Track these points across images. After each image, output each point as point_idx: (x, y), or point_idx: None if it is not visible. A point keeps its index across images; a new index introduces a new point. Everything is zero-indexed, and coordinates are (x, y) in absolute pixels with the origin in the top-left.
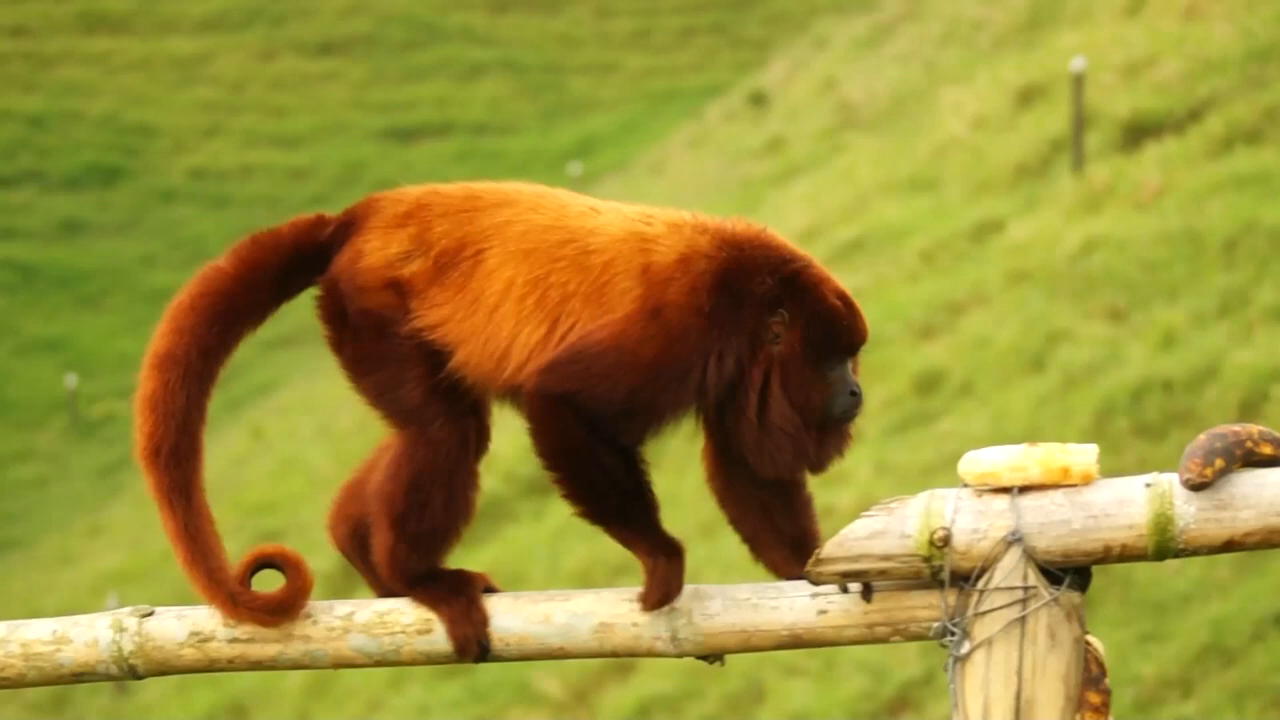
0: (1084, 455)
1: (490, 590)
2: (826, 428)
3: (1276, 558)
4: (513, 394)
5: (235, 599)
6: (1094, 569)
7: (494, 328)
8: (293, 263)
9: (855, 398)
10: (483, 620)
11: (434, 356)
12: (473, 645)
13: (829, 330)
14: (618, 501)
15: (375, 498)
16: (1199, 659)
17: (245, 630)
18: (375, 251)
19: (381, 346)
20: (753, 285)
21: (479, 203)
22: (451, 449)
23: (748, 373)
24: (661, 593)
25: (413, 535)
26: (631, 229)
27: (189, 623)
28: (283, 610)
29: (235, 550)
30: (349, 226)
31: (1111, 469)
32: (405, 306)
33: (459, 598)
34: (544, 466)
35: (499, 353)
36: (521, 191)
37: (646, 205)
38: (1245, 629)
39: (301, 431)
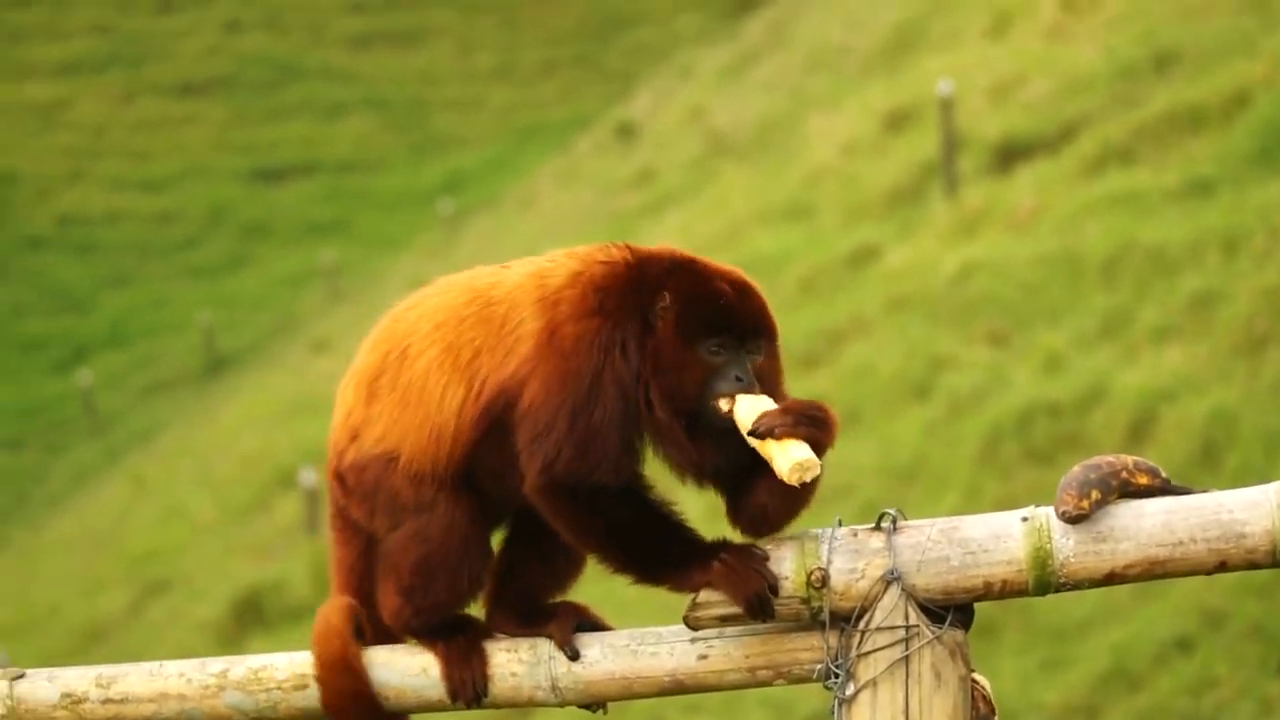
0: (793, 457)
1: (594, 627)
2: (704, 421)
3: (1175, 581)
4: (465, 471)
5: None
6: (985, 602)
7: (424, 409)
8: None
9: (740, 384)
10: (482, 663)
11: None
12: (467, 689)
13: (705, 307)
14: (655, 548)
15: (387, 557)
16: (1103, 684)
17: (118, 690)
18: (336, 427)
19: (368, 484)
20: (643, 273)
21: (396, 313)
22: (459, 527)
23: (642, 359)
24: (743, 589)
25: (418, 605)
26: (532, 270)
27: (60, 684)
28: None
29: (124, 600)
30: None
31: (1002, 494)
32: (360, 447)
33: (457, 640)
34: (582, 552)
35: (434, 431)
36: (438, 282)
37: (569, 249)
38: (1148, 652)
39: (182, 478)
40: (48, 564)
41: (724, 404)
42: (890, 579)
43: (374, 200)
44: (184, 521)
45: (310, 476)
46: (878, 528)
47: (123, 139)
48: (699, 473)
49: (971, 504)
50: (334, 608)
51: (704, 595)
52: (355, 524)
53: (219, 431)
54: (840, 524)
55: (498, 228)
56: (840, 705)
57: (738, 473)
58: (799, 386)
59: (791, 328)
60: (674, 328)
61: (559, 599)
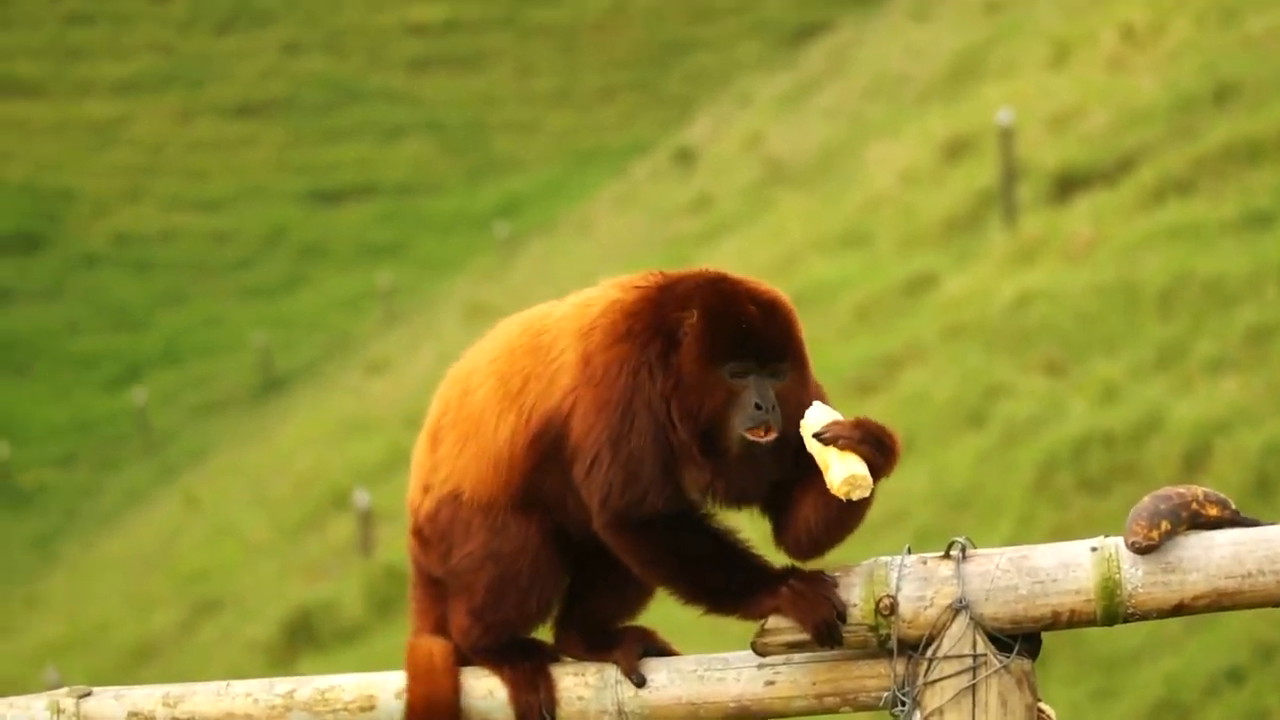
0: (850, 469)
1: (661, 652)
2: (730, 448)
3: (1228, 612)
4: (529, 496)
5: None
6: (1044, 632)
7: (481, 440)
8: None
9: (760, 411)
10: (549, 687)
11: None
12: (535, 713)
13: (726, 326)
14: (722, 577)
15: (459, 577)
16: (1153, 715)
17: (185, 709)
18: (411, 489)
19: (442, 526)
20: (673, 294)
21: (459, 362)
22: (531, 548)
23: (666, 377)
24: (812, 615)
25: (487, 623)
26: (580, 300)
27: (127, 703)
28: None
29: (175, 619)
30: None
31: (1056, 524)
32: (431, 495)
33: (524, 663)
34: (652, 585)
35: (492, 460)
36: (500, 323)
37: (618, 279)
38: (1199, 684)
39: (235, 497)
40: (99, 582)
41: (751, 435)
42: (958, 607)
43: (431, 223)
44: (236, 541)
45: (364, 497)
46: (947, 556)
47: (180, 158)
48: (720, 495)
49: (1025, 533)
50: (438, 646)
51: (772, 621)
52: (438, 583)
53: (273, 451)
54: (909, 551)
55: (554, 252)
56: None
57: (771, 496)
58: (855, 413)
59: (847, 355)
60: (696, 346)
61: (627, 624)
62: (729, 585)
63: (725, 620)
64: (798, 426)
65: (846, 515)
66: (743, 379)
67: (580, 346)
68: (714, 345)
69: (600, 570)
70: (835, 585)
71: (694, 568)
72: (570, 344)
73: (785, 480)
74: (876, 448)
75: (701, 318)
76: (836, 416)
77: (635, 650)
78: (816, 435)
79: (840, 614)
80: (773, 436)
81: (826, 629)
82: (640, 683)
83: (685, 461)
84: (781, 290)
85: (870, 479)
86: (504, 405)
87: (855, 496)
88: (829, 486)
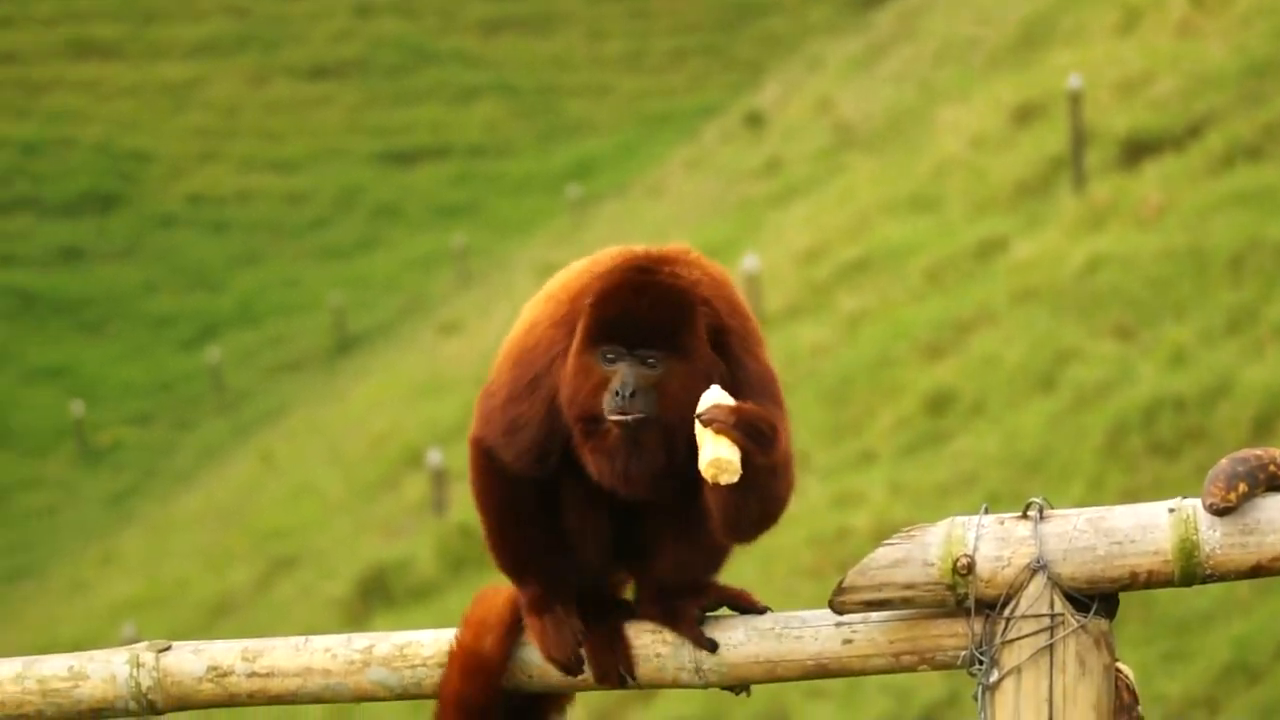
0: (717, 452)
1: (747, 608)
2: (610, 431)
3: None
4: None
5: None
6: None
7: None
8: None
9: (617, 397)
10: (626, 648)
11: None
12: (613, 674)
13: (601, 310)
14: (521, 558)
15: None
16: (1224, 677)
17: (264, 664)
18: None
19: None
20: (594, 275)
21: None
22: (574, 501)
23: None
24: (550, 649)
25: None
26: (580, 263)
27: (206, 657)
28: None
29: (252, 575)
30: None
31: (1126, 487)
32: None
33: (600, 625)
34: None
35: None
36: None
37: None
38: (1269, 646)
39: (311, 456)
40: (175, 539)
41: (610, 417)
42: (1036, 567)
43: (503, 185)
44: (312, 499)
45: (437, 457)
46: (1024, 516)
47: (255, 120)
48: (605, 477)
49: (1095, 496)
50: (502, 597)
51: (850, 579)
52: None
53: (348, 411)
54: (987, 511)
55: (625, 214)
56: (984, 692)
57: (669, 483)
58: (926, 376)
59: (918, 318)
60: (581, 331)
61: (698, 586)
62: (516, 569)
63: (797, 579)
64: (679, 414)
65: (738, 500)
66: (613, 365)
67: (535, 312)
68: (591, 329)
69: (655, 531)
70: (620, 646)
71: (505, 530)
72: (538, 303)
73: (691, 469)
74: (749, 434)
75: (591, 303)
76: (727, 400)
77: (693, 617)
78: (697, 417)
79: (569, 669)
80: (628, 418)
81: (561, 665)
82: (711, 648)
83: (576, 443)
84: (854, 254)
85: (737, 466)
86: (503, 368)
87: (723, 480)
88: (700, 467)
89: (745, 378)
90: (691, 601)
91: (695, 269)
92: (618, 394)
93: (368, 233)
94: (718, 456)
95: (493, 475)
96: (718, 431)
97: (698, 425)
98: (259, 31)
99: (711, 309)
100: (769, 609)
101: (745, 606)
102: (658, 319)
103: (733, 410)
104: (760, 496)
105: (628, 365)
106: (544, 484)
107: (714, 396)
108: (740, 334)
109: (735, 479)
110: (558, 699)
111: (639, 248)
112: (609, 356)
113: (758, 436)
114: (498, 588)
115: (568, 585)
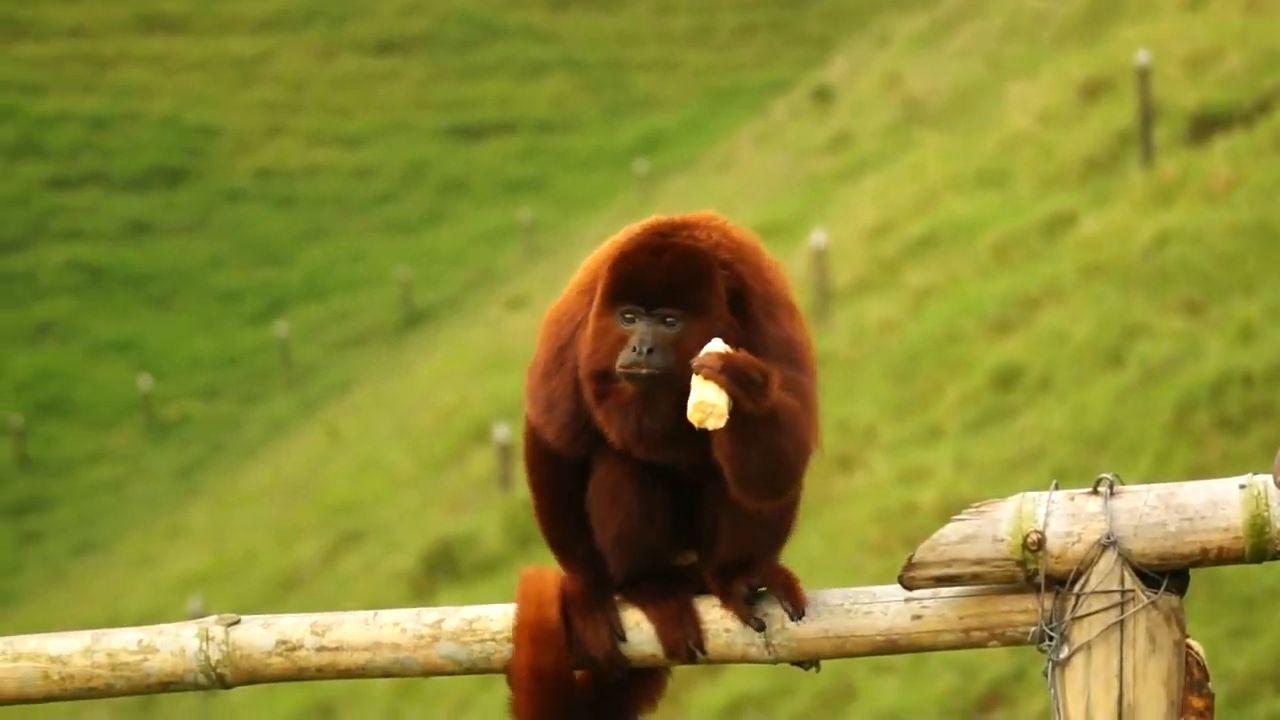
0: (703, 395)
1: (784, 600)
2: (623, 387)
3: None
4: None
5: None
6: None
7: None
8: None
9: (633, 352)
10: (695, 622)
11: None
12: (683, 648)
13: (619, 270)
14: (561, 533)
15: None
16: None
17: (333, 638)
18: None
19: None
20: (616, 241)
21: None
22: (617, 477)
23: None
24: (590, 644)
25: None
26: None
27: (275, 631)
28: None
29: (318, 549)
30: None
31: (1194, 463)
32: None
33: (669, 600)
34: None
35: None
36: None
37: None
38: None
39: (378, 430)
40: (243, 513)
41: (622, 369)
42: (1106, 543)
43: (570, 160)
44: (379, 473)
45: (503, 432)
46: (1094, 492)
47: (322, 94)
48: (618, 435)
49: (1163, 472)
50: (550, 573)
51: (920, 554)
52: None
53: (415, 385)
54: (1057, 487)
55: (693, 189)
56: (1054, 668)
57: (689, 447)
58: (993, 352)
59: (986, 293)
60: (600, 292)
61: (759, 559)
62: (562, 552)
63: (863, 555)
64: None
65: (740, 452)
66: (631, 324)
67: (574, 279)
68: (610, 289)
69: (712, 510)
70: (689, 620)
71: (553, 513)
72: (576, 274)
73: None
74: (736, 379)
75: (610, 265)
76: (723, 348)
77: (740, 594)
78: (690, 363)
79: (593, 660)
80: (642, 371)
81: (600, 664)
82: (759, 627)
83: (590, 405)
84: (922, 229)
85: (724, 410)
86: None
87: (710, 425)
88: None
89: (764, 341)
90: (740, 579)
91: (716, 233)
92: (635, 349)
93: (434, 207)
94: (702, 399)
95: (539, 455)
96: (705, 377)
97: (694, 376)
98: (326, 6)
99: (732, 271)
100: (803, 614)
101: (782, 598)
102: (675, 278)
103: (720, 356)
104: (762, 449)
105: (646, 324)
106: (588, 466)
107: (712, 347)
108: (763, 298)
109: (721, 424)
110: (648, 691)
111: (665, 216)
112: (627, 316)
113: (746, 383)
114: (541, 567)
115: (614, 572)
